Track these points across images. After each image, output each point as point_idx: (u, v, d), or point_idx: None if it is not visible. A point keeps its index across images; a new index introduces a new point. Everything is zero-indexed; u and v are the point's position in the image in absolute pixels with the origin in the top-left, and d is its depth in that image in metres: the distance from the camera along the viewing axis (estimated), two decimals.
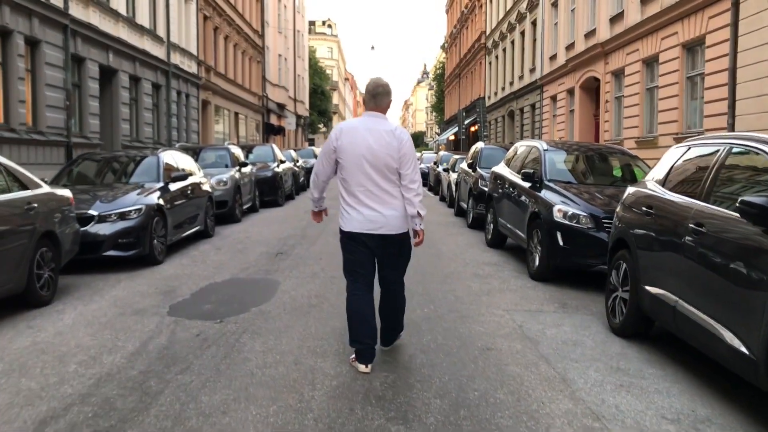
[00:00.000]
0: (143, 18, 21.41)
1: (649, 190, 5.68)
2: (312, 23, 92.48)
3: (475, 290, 7.28)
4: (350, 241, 4.64)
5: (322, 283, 7.42)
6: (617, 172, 9.51)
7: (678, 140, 15.29)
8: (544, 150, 9.17)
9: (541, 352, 5.09)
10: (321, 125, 78.33)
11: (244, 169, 14.98)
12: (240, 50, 35.74)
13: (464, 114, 42.61)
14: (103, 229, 7.98)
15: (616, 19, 19.38)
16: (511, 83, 34.92)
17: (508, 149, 15.18)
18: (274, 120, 46.04)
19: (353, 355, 4.67)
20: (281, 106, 47.97)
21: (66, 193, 7.33)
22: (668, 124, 15.96)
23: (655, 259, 5.12)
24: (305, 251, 9.77)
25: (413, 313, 6.04)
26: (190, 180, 10.46)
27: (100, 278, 7.67)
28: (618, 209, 6.16)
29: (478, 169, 13.56)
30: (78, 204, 7.71)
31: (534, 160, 9.55)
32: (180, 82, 25.37)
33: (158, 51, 22.90)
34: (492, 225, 10.57)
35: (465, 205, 14.40)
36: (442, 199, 20.51)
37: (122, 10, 19.55)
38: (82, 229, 7.64)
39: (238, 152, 15.62)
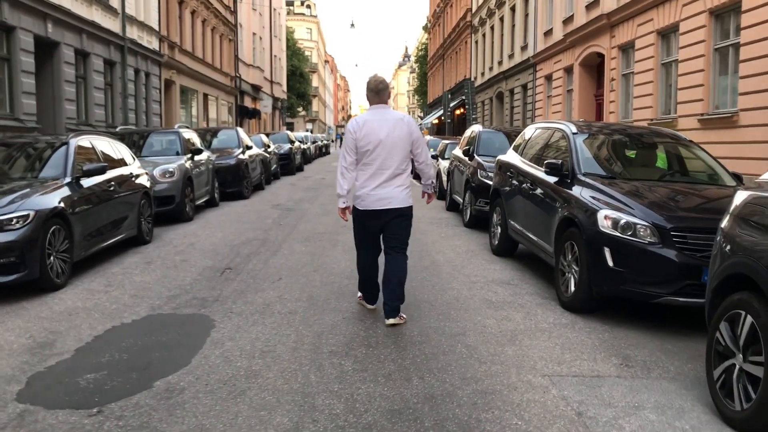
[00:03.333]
0: None
1: None
2: (290, 3, 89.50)
3: (492, 332, 5.12)
4: (364, 217, 5.35)
5: (274, 326, 5.21)
6: (662, 163, 7.39)
7: (703, 122, 13.24)
8: (574, 134, 6.99)
9: None
10: (300, 108, 75.66)
11: (198, 157, 12.66)
12: (209, 26, 33.11)
13: (449, 96, 40.35)
14: None
15: None
16: (500, 62, 32.71)
17: (507, 133, 13.09)
18: (248, 102, 43.47)
19: (360, 295, 5.77)
20: (256, 88, 45.35)
21: None
22: (690, 103, 13.86)
23: None
24: (262, 265, 7.55)
25: (408, 388, 3.88)
26: (115, 172, 8.18)
27: None
28: (725, 223, 4.02)
29: (476, 157, 11.38)
30: None
31: (557, 147, 7.39)
32: (138, 59, 22.83)
33: (111, 23, 20.35)
34: (499, 228, 8.41)
35: (460, 199, 12.23)
36: None
37: None
38: None
39: (191, 137, 13.28)
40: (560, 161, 6.62)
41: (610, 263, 5.41)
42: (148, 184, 9.34)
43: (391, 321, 5.27)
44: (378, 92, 5.37)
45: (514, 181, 7.99)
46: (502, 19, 32.28)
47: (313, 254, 8.25)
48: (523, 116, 28.78)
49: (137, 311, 5.59)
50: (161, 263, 7.66)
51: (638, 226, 5.37)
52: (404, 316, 5.39)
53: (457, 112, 42.17)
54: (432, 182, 5.76)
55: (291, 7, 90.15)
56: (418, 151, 5.38)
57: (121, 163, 8.74)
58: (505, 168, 8.55)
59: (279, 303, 5.85)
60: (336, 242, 9.11)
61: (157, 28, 24.66)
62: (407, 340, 4.88)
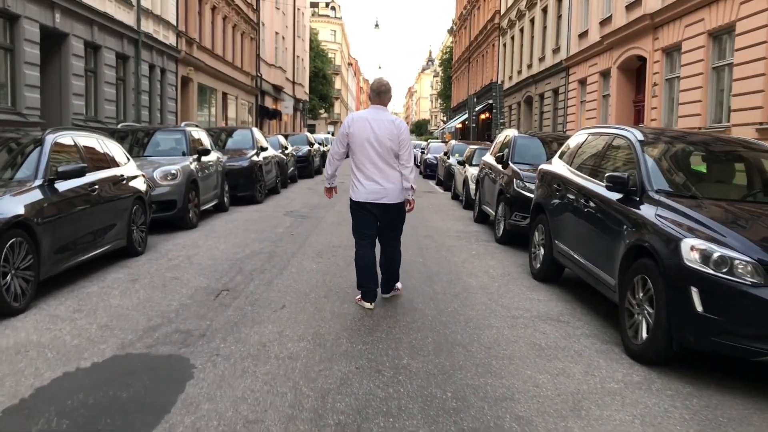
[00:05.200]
0: None
1: None
2: (315, 4, 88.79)
3: (548, 395, 3.95)
4: (358, 208, 5.82)
5: (268, 379, 4.08)
6: (740, 178, 6.19)
7: (762, 132, 11.95)
8: (640, 141, 5.80)
9: None
10: (322, 110, 74.74)
11: (206, 158, 11.61)
12: (230, 24, 32.24)
13: (475, 100, 39.11)
14: None
15: None
16: (530, 66, 31.44)
17: (543, 139, 11.90)
18: (269, 103, 42.59)
19: (359, 296, 5.88)
20: (278, 89, 44.48)
21: None
22: (748, 111, 12.56)
23: None
24: (265, 287, 6.44)
25: None
26: (100, 174, 7.14)
27: None
28: None
29: (512, 165, 10.20)
30: None
31: (617, 157, 6.21)
32: (153, 54, 21.95)
33: (125, 16, 19.47)
34: (542, 249, 7.24)
35: (491, 211, 11.05)
36: (455, 197, 17.15)
37: None
38: None
39: (200, 136, 12.24)
40: (626, 175, 5.43)
41: (699, 308, 4.23)
42: (142, 188, 8.30)
43: (387, 295, 6.06)
44: (379, 93, 5.88)
45: (562, 196, 6.81)
46: (532, 21, 31.02)
47: (325, 273, 7.14)
48: (553, 122, 27.50)
49: (102, 350, 4.50)
50: (148, 281, 6.58)
51: (736, 261, 4.18)
52: (399, 287, 6.20)
53: (482, 116, 40.94)
54: (411, 186, 5.80)
55: (315, 9, 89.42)
56: (402, 151, 5.72)
57: (111, 163, 7.70)
58: (549, 179, 7.37)
59: (278, 342, 4.73)
60: (351, 259, 7.96)
61: (174, 22, 23.78)
62: (438, 405, 3.74)
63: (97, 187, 6.87)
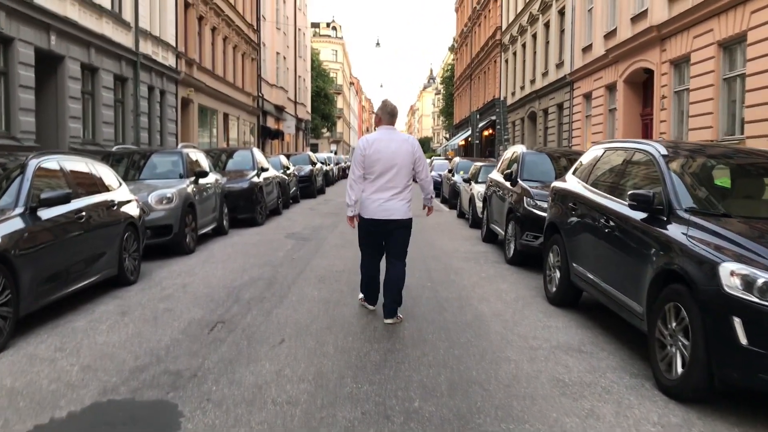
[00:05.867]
0: None
1: None
2: (316, 25, 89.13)
3: None
4: (368, 225, 5.97)
5: (264, 428, 3.65)
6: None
7: None
8: (664, 156, 5.38)
9: None
10: (324, 130, 74.61)
11: (204, 180, 11.24)
12: (231, 44, 32.06)
13: (478, 116, 38.81)
14: None
15: None
16: (533, 81, 31.16)
17: (552, 155, 11.51)
18: (271, 123, 42.38)
19: (362, 296, 6.39)
20: (279, 109, 44.28)
21: None
22: (763, 123, 12.16)
23: None
24: (263, 318, 6.02)
25: None
26: (88, 200, 6.75)
27: None
28: None
29: (521, 182, 9.80)
30: None
31: (637, 173, 5.81)
32: (153, 75, 21.69)
33: (123, 38, 19.22)
34: (558, 272, 6.80)
35: (499, 230, 10.63)
36: (461, 215, 16.72)
37: None
38: None
39: (198, 157, 11.88)
40: (651, 192, 5.01)
41: (743, 340, 3.79)
42: (135, 213, 7.90)
43: (390, 321, 5.91)
44: (393, 115, 6.07)
45: (579, 215, 6.39)
46: (534, 36, 30.79)
47: (328, 302, 6.71)
48: (558, 137, 27.14)
49: (81, 396, 4.08)
50: (139, 314, 6.16)
51: None
52: (401, 316, 6.03)
53: (485, 132, 40.64)
54: (431, 196, 6.38)
55: (317, 29, 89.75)
56: (420, 169, 5.98)
57: (101, 188, 7.31)
58: (564, 197, 6.96)
59: (275, 384, 4.29)
60: (356, 284, 7.53)
61: (173, 43, 23.55)
62: None
63: (84, 213, 6.47)
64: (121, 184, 8.03)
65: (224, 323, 5.85)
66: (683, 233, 4.53)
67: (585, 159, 7.25)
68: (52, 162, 6.49)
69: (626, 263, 5.22)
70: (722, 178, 5.68)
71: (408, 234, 6.03)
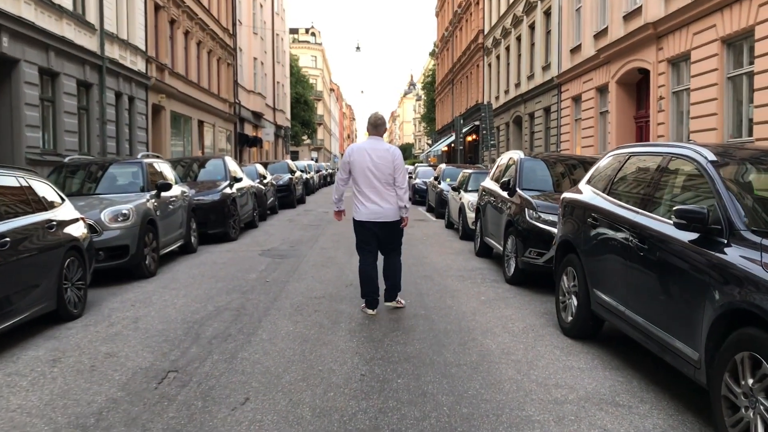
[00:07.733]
0: None
1: None
2: (295, 31, 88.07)
3: None
4: (360, 227, 6.56)
5: None
6: None
7: None
8: (713, 162, 4.39)
9: None
10: (305, 137, 73.45)
11: (168, 193, 10.12)
12: (205, 49, 30.88)
13: (461, 122, 37.91)
14: None
15: None
16: (518, 85, 30.33)
17: (548, 161, 10.52)
18: (249, 130, 41.18)
19: (363, 304, 6.59)
20: (257, 115, 43.11)
21: None
22: None
23: None
24: (225, 365, 4.94)
25: None
26: (16, 222, 5.64)
27: None
28: None
29: (520, 192, 8.81)
30: None
31: (675, 183, 4.82)
32: (120, 81, 20.47)
33: (86, 41, 18.01)
34: (575, 299, 5.80)
35: (496, 245, 9.62)
36: (450, 225, 15.72)
37: None
38: None
39: (162, 168, 10.76)
40: (705, 208, 4.01)
41: None
42: (80, 234, 6.79)
43: (391, 304, 6.72)
44: (376, 126, 6.78)
45: (602, 233, 5.40)
46: (519, 39, 29.97)
47: (305, 341, 5.64)
48: (545, 141, 26.31)
49: None
50: (74, 361, 5.06)
51: None
52: (402, 301, 6.78)
53: (469, 138, 39.76)
54: (406, 206, 6.59)
55: (296, 35, 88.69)
56: (396, 175, 6.48)
57: (36, 206, 6.20)
58: (580, 211, 5.96)
59: None
60: (339, 315, 6.51)
61: (143, 47, 22.35)
62: None
63: (8, 239, 5.36)
64: (64, 201, 6.91)
65: (177, 372, 4.76)
66: (755, 260, 3.54)
67: (602, 166, 6.27)
68: None
69: (671, 295, 4.21)
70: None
71: (399, 232, 6.67)
